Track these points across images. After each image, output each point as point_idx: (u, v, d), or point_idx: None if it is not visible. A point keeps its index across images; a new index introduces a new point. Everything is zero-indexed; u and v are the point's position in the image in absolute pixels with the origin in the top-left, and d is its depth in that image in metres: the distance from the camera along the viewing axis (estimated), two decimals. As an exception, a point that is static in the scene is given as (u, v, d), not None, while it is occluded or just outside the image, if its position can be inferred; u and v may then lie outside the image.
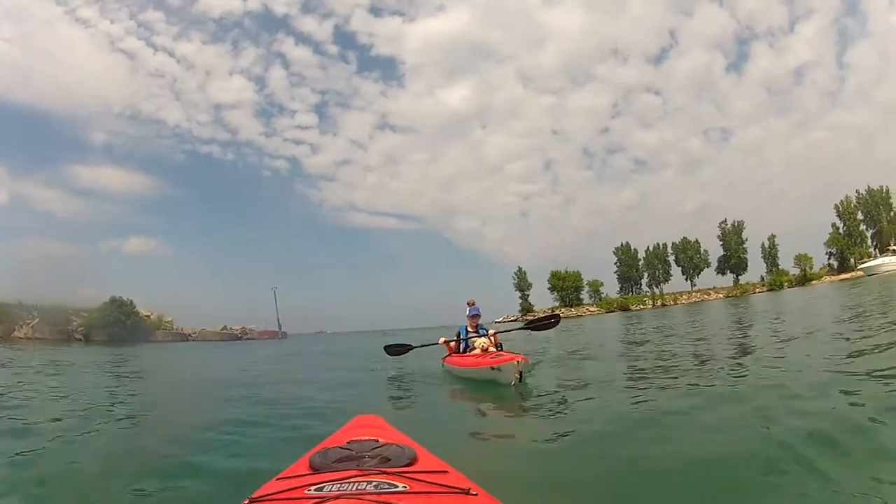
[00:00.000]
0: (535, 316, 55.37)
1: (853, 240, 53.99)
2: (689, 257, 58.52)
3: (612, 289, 60.38)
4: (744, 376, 4.78)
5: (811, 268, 54.84)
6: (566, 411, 4.17)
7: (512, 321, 54.77)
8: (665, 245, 59.98)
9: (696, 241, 59.20)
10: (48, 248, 51.83)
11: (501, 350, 6.72)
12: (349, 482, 1.27)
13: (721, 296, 54.39)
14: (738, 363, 5.66)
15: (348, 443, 1.64)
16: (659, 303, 55.64)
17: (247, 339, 48.50)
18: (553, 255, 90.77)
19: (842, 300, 15.42)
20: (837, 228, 54.89)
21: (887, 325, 7.16)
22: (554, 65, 75.23)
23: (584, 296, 59.52)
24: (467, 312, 7.47)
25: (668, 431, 3.16)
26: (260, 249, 78.54)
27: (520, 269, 60.01)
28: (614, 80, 72.27)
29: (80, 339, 38.86)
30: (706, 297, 55.63)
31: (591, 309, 56.18)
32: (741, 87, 66.67)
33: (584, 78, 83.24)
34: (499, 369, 5.64)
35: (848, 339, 6.37)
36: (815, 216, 69.85)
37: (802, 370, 4.54)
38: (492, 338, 7.01)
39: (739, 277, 58.29)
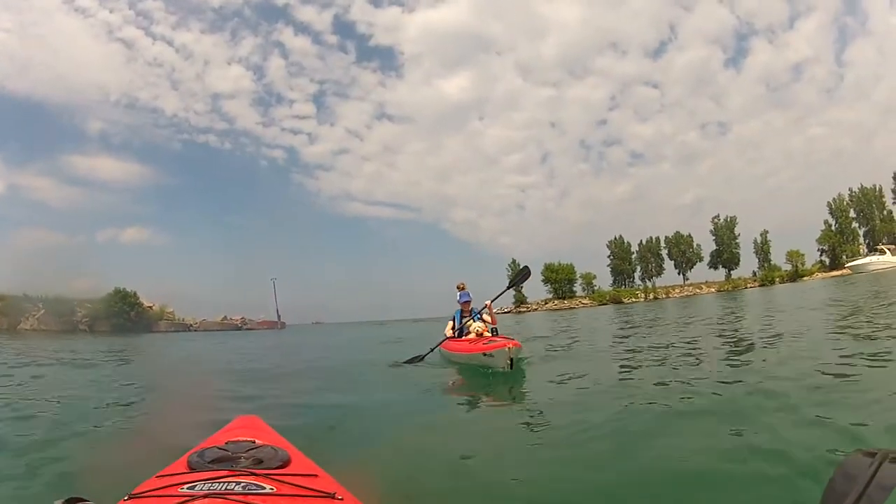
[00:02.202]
0: (527, 308, 56.78)
1: (845, 237, 54.38)
2: (682, 251, 59.11)
3: (604, 281, 61.24)
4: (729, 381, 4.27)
5: (803, 264, 55.43)
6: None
7: (505, 313, 56.05)
8: (658, 239, 60.55)
9: (689, 235, 59.74)
10: (47, 238, 52.91)
11: (496, 335, 6.58)
12: (219, 482, 1.31)
13: (713, 290, 55.01)
14: (728, 362, 5.28)
15: (226, 443, 1.67)
16: (651, 296, 56.49)
17: (246, 328, 49.83)
18: (548, 247, 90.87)
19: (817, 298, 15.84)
20: (830, 226, 55.32)
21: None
22: (553, 57, 74.20)
23: (577, 288, 60.43)
24: (458, 298, 7.29)
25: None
26: (257, 239, 78.95)
27: (514, 260, 60.61)
28: (613, 73, 71.96)
29: (84, 330, 40.26)
30: (698, 291, 56.32)
31: (584, 301, 57.06)
32: (740, 81, 66.34)
33: (582, 70, 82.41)
34: (491, 355, 5.64)
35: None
36: (811, 212, 69.88)
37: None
38: (490, 312, 7.07)
39: (731, 272, 59.02)
